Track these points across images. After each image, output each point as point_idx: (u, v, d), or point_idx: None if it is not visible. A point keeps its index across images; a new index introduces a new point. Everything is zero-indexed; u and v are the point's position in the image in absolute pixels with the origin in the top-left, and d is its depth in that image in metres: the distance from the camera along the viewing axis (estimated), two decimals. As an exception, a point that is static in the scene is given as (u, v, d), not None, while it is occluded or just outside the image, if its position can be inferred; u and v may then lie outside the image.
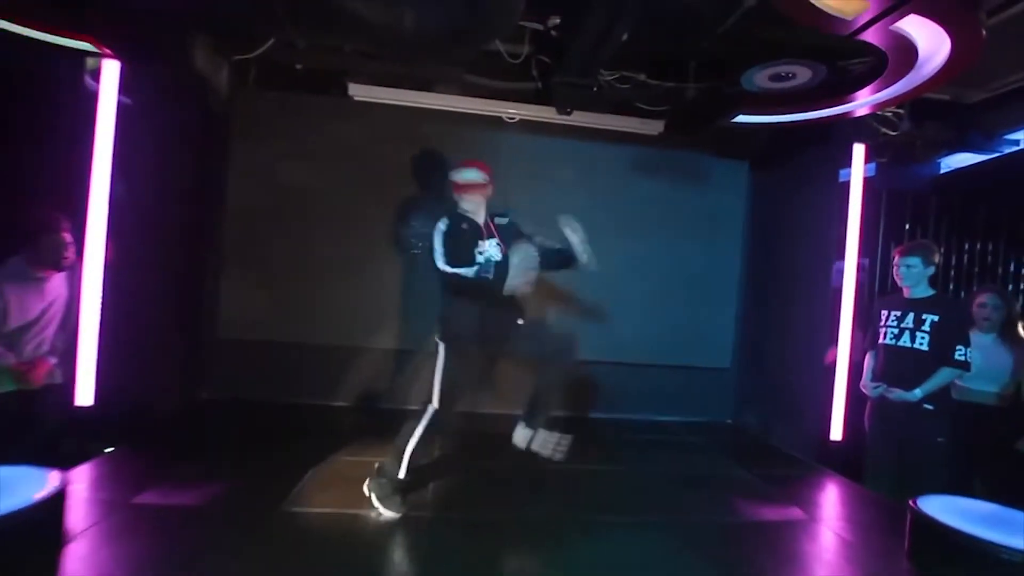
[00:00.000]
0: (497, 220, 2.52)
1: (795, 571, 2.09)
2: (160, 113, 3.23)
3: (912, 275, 2.73)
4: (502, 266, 2.23)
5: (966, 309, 2.94)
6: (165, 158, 3.30)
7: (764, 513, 2.63)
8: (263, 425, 3.47)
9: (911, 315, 2.72)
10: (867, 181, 3.48)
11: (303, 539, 2.09)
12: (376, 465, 2.43)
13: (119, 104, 2.90)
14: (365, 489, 2.36)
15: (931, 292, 2.76)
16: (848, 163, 3.47)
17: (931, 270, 2.74)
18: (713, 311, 4.36)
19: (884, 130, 3.66)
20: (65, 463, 2.56)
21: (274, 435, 3.30)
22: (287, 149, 3.88)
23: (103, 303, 2.89)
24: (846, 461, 3.28)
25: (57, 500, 1.87)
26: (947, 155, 4.28)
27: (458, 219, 2.45)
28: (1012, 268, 4.28)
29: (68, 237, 2.64)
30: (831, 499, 2.95)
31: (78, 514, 2.09)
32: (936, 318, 2.64)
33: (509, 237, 2.42)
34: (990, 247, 4.29)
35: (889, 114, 3.62)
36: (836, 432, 3.36)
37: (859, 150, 3.45)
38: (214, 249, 3.87)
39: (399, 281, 4.01)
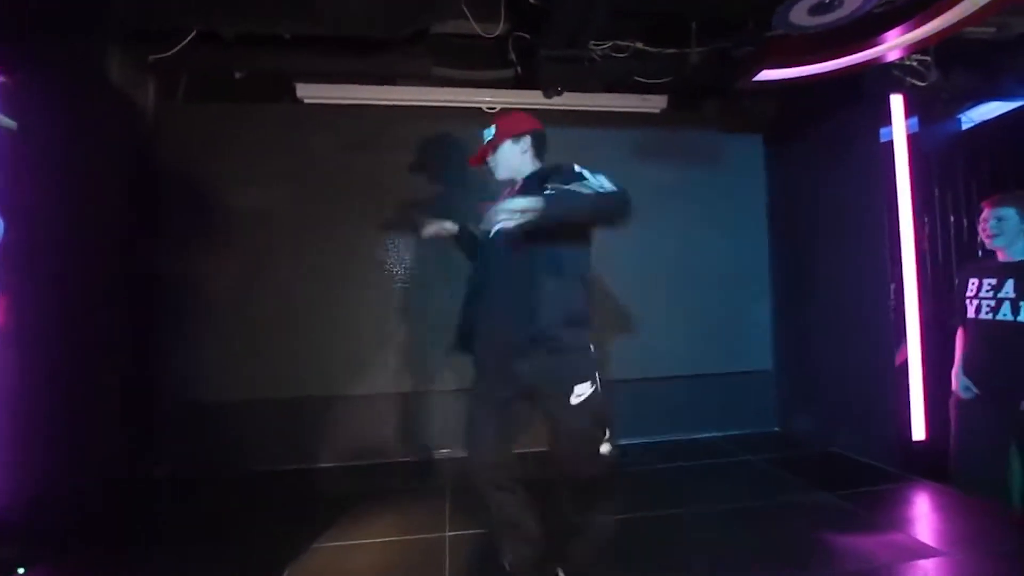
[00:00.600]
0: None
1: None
2: (62, 133, 2.61)
3: (1005, 229, 2.26)
4: None
5: None
6: (74, 187, 2.66)
7: (870, 549, 2.06)
8: (226, 505, 2.77)
9: (1010, 281, 2.23)
10: (912, 139, 3.02)
11: None
12: None
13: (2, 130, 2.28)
14: None
15: None
16: (886, 120, 3.01)
17: None
18: (745, 307, 3.81)
19: (912, 81, 3.24)
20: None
21: (240, 519, 2.60)
22: (233, 169, 3.26)
23: (4, 388, 2.23)
24: (934, 465, 2.74)
25: None
26: (972, 107, 3.89)
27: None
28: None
29: None
30: (941, 518, 2.39)
31: None
32: None
33: None
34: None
35: (914, 63, 3.22)
36: (918, 431, 2.82)
37: (897, 102, 3.00)
38: (154, 298, 3.21)
39: (380, 313, 3.39)
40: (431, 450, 3.39)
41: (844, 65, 2.78)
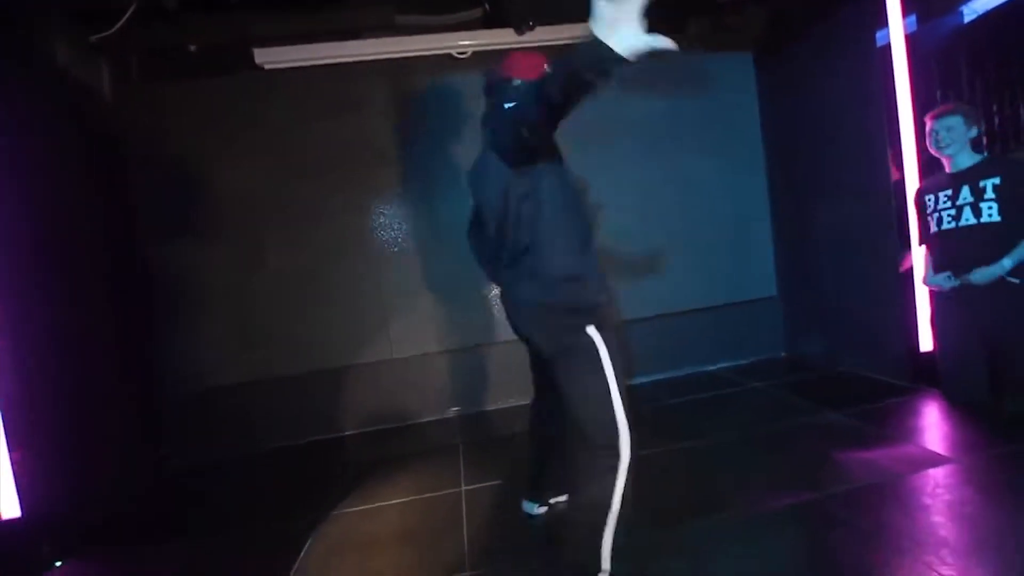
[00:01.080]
0: None
1: (948, 532, 1.54)
2: (23, 128, 2.49)
3: (953, 138, 2.32)
4: None
5: None
6: (50, 191, 2.57)
7: (881, 464, 2.08)
8: (243, 486, 2.83)
9: (966, 187, 2.30)
10: (910, 39, 2.84)
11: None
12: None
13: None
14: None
15: (979, 156, 2.35)
16: (882, 22, 2.82)
17: (974, 131, 2.36)
18: (745, 235, 3.72)
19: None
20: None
21: (257, 497, 2.66)
22: (201, 148, 3.14)
23: (4, 394, 2.22)
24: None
25: None
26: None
27: None
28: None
29: None
30: (958, 429, 2.38)
31: None
32: (998, 180, 2.23)
33: None
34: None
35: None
36: (926, 342, 2.79)
37: (893, 2, 2.80)
38: (140, 291, 3.16)
39: (370, 282, 3.34)
40: (441, 410, 3.43)
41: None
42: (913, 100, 2.82)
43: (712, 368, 3.68)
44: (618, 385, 1.45)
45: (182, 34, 2.93)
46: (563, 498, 1.91)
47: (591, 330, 1.45)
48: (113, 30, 2.41)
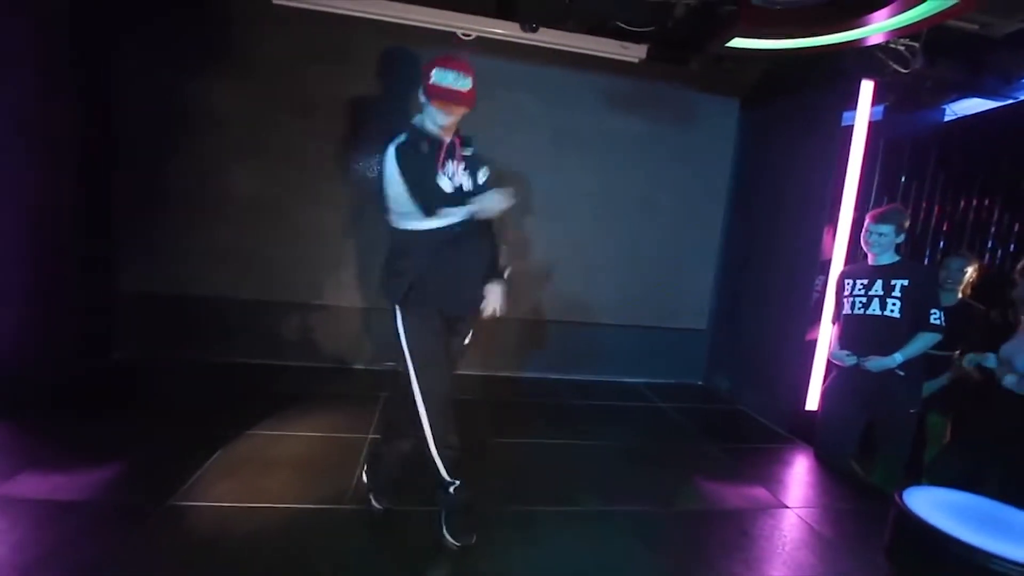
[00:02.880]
0: (464, 150, 1.92)
1: (756, 568, 1.84)
2: (28, 24, 2.54)
3: (882, 243, 2.56)
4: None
5: (934, 273, 2.78)
6: (27, 73, 2.63)
7: (728, 497, 2.39)
8: (174, 389, 3.05)
9: (879, 282, 2.55)
10: (872, 127, 3.05)
11: (187, 542, 1.74)
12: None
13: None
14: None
15: (897, 258, 2.60)
16: (852, 105, 3.02)
17: (901, 237, 2.58)
18: (693, 268, 3.99)
19: (895, 66, 3.20)
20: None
21: (184, 401, 2.89)
22: (191, 63, 3.21)
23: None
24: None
25: None
26: (955, 100, 3.86)
27: (415, 138, 1.81)
28: (1008, 226, 3.99)
29: None
30: (803, 479, 2.73)
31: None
32: (906, 282, 2.49)
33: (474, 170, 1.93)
34: (986, 203, 3.97)
35: (902, 47, 3.16)
36: (812, 402, 3.11)
37: (867, 88, 2.99)
38: (108, 189, 3.26)
39: (334, 227, 3.50)
40: (374, 362, 3.66)
41: (822, 45, 2.75)
42: (860, 188, 3.05)
43: (629, 380, 3.98)
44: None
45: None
46: None
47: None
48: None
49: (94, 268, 3.22)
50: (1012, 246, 3.95)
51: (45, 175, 2.79)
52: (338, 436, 2.62)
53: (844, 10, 2.40)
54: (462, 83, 1.77)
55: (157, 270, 3.35)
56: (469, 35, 3.25)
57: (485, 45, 3.29)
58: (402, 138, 1.82)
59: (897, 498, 1.94)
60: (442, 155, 1.84)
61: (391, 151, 1.79)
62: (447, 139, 1.85)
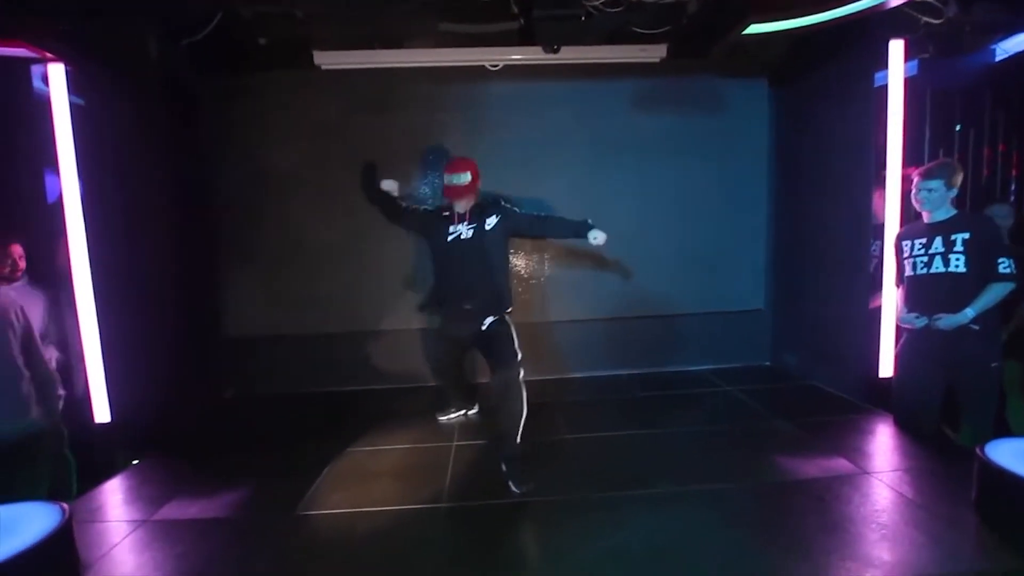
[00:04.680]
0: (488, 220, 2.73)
1: (844, 537, 1.88)
2: (123, 112, 3.04)
3: (933, 199, 2.50)
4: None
5: (994, 222, 2.65)
6: (138, 158, 3.13)
7: (806, 469, 2.43)
8: (281, 420, 3.45)
9: (939, 238, 2.49)
10: (908, 82, 3.01)
11: (315, 545, 2.03)
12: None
13: (74, 107, 2.72)
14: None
15: (954, 211, 2.54)
16: (884, 64, 2.99)
17: (953, 192, 2.51)
18: (743, 249, 4.01)
19: (926, 19, 3.14)
20: (94, 480, 2.61)
21: (291, 430, 3.27)
22: (265, 132, 3.68)
23: (100, 315, 2.83)
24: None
25: (63, 534, 1.84)
26: (1004, 39, 3.69)
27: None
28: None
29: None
30: (883, 446, 2.71)
31: (101, 537, 2.10)
32: (967, 235, 2.43)
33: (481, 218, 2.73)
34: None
35: (931, -1, 3.10)
36: (886, 369, 3.06)
37: (896, 47, 2.97)
38: (208, 246, 3.76)
39: (400, 259, 3.82)
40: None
41: (842, 16, 2.77)
42: (905, 140, 3.00)
43: (696, 368, 4.03)
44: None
45: (253, 31, 3.39)
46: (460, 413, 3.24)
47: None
48: (200, 36, 2.88)
49: (203, 320, 3.71)
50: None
51: (155, 242, 3.28)
52: (426, 446, 2.88)
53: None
54: (459, 180, 2.67)
55: (252, 316, 3.80)
56: (497, 65, 3.50)
57: (514, 72, 3.53)
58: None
59: (980, 452, 1.95)
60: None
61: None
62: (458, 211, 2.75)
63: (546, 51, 3.30)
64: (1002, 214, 2.85)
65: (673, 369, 4.01)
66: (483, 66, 3.53)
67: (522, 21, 3.48)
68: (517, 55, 3.42)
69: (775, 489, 2.28)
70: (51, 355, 2.77)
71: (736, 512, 2.10)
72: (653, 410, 3.28)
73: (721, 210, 3.93)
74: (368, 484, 2.47)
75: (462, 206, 2.72)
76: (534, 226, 2.78)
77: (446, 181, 2.71)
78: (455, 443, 2.89)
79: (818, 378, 3.60)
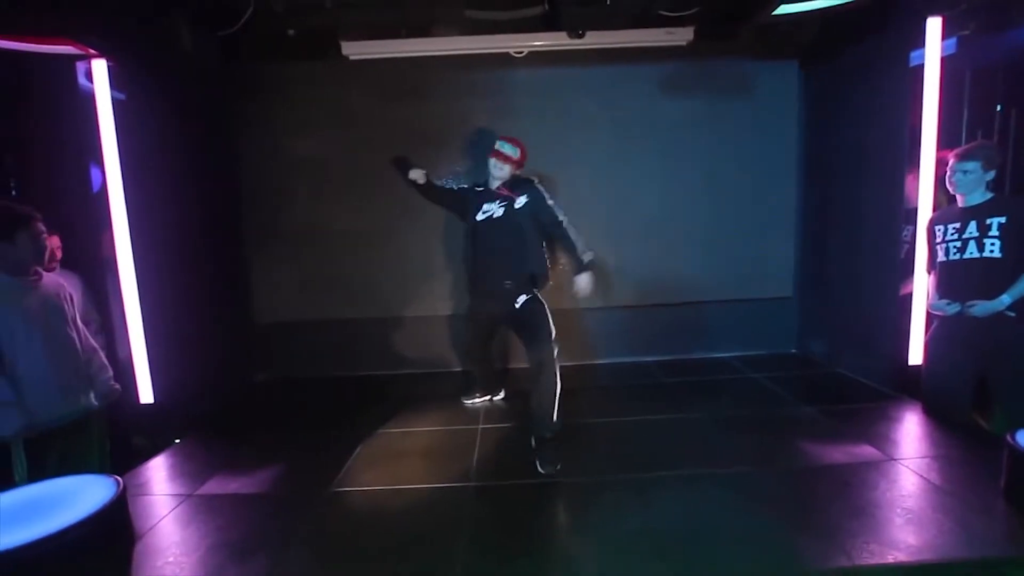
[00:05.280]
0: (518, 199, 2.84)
1: (869, 521, 1.89)
2: (160, 105, 3.15)
3: (968, 182, 2.46)
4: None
5: None
6: (173, 149, 3.25)
7: (831, 454, 2.43)
8: (313, 402, 3.58)
9: (973, 223, 2.45)
10: (946, 61, 2.91)
11: (349, 519, 2.13)
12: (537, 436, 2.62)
13: (116, 101, 2.84)
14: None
15: (989, 195, 2.48)
16: (920, 43, 2.90)
17: (991, 175, 2.46)
18: (771, 236, 3.95)
19: (969, -9, 3.02)
20: (140, 457, 2.77)
21: (323, 412, 3.39)
22: (294, 121, 3.76)
23: (142, 301, 2.97)
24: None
25: (119, 505, 1.97)
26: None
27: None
28: None
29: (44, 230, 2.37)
30: (911, 433, 2.68)
31: (150, 510, 2.24)
32: (1003, 219, 2.38)
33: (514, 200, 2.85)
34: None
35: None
36: (916, 356, 3.02)
37: (934, 25, 2.87)
38: (239, 234, 3.89)
39: (425, 245, 3.89)
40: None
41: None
42: (940, 123, 2.91)
43: (722, 355, 4.02)
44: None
45: (283, 22, 3.46)
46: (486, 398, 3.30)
47: None
48: (237, 27, 2.97)
49: (236, 305, 3.85)
50: None
51: (191, 231, 3.41)
52: (454, 428, 2.97)
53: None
54: (508, 149, 2.85)
55: (282, 301, 3.93)
56: (521, 52, 3.51)
57: (539, 58, 3.53)
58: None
59: (1009, 439, 1.93)
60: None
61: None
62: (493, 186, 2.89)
63: (571, 36, 3.29)
64: None
65: (699, 356, 4.01)
66: (508, 53, 3.53)
67: (547, 7, 3.48)
68: (542, 41, 3.42)
69: (800, 474, 2.29)
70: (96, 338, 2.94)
71: (762, 495, 2.12)
72: (679, 396, 3.30)
73: (748, 196, 3.88)
74: (398, 463, 2.56)
75: (500, 174, 2.84)
76: (548, 227, 2.83)
77: (496, 146, 2.85)
78: (481, 426, 2.97)
79: (845, 366, 3.56)
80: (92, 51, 2.74)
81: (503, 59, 3.56)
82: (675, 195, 3.82)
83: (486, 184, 2.92)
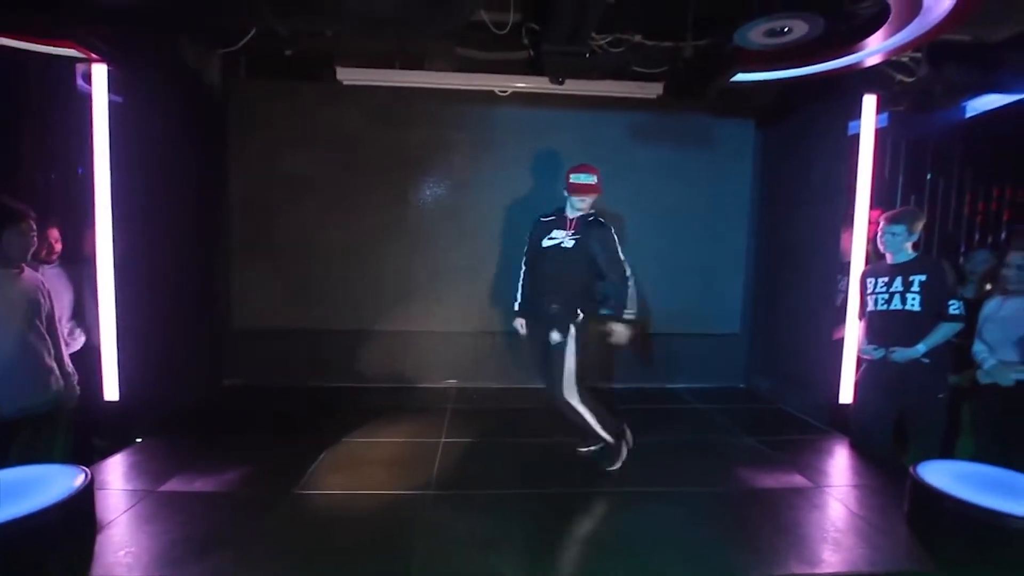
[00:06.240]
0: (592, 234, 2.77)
1: (792, 539, 2.10)
2: (155, 111, 3.26)
3: (895, 242, 2.76)
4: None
5: (947, 267, 2.87)
6: (165, 155, 3.35)
7: (766, 480, 2.65)
8: (280, 409, 3.63)
9: (899, 279, 2.74)
10: (880, 133, 3.29)
11: (312, 520, 2.21)
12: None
13: (112, 105, 2.94)
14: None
15: (913, 255, 2.79)
16: (858, 115, 3.28)
17: (915, 236, 2.77)
18: (723, 276, 4.28)
19: (900, 77, 3.45)
20: (100, 454, 2.77)
21: (290, 418, 3.46)
22: (285, 138, 3.90)
23: (117, 300, 3.01)
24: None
25: (86, 494, 2.01)
26: (972, 98, 4.02)
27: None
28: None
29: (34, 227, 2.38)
30: (838, 464, 2.94)
31: (111, 504, 2.27)
32: (924, 277, 2.68)
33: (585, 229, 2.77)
34: (1018, 193, 4.08)
35: (906, 59, 3.40)
36: (846, 395, 3.31)
37: (869, 101, 3.26)
38: (222, 241, 3.97)
39: (402, 264, 4.05)
40: (440, 380, 4.16)
41: (820, 71, 3.05)
42: (873, 186, 3.28)
43: (675, 386, 4.26)
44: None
45: (281, 43, 3.63)
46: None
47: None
48: (239, 46, 3.13)
49: (213, 310, 3.91)
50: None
51: (175, 235, 3.47)
52: (418, 440, 3.08)
53: (830, 45, 2.72)
54: (587, 178, 2.77)
55: (260, 309, 4.01)
56: (506, 91, 3.77)
57: (522, 98, 3.81)
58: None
59: (912, 471, 2.19)
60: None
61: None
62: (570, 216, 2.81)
63: (552, 82, 3.57)
64: (981, 259, 3.07)
65: (653, 386, 4.23)
66: (493, 91, 3.79)
67: (532, 53, 3.75)
68: (525, 83, 3.70)
69: (737, 496, 2.51)
70: (81, 336, 2.97)
71: (702, 513, 2.32)
72: (633, 422, 3.47)
73: (705, 238, 4.20)
74: (361, 470, 2.66)
75: (583, 206, 2.76)
76: (602, 262, 2.73)
77: (572, 179, 2.77)
78: (443, 440, 3.09)
79: (786, 401, 3.85)
80: (94, 55, 2.85)
81: (488, 96, 3.82)
82: (640, 232, 4.09)
83: (559, 212, 2.86)
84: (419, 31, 3.17)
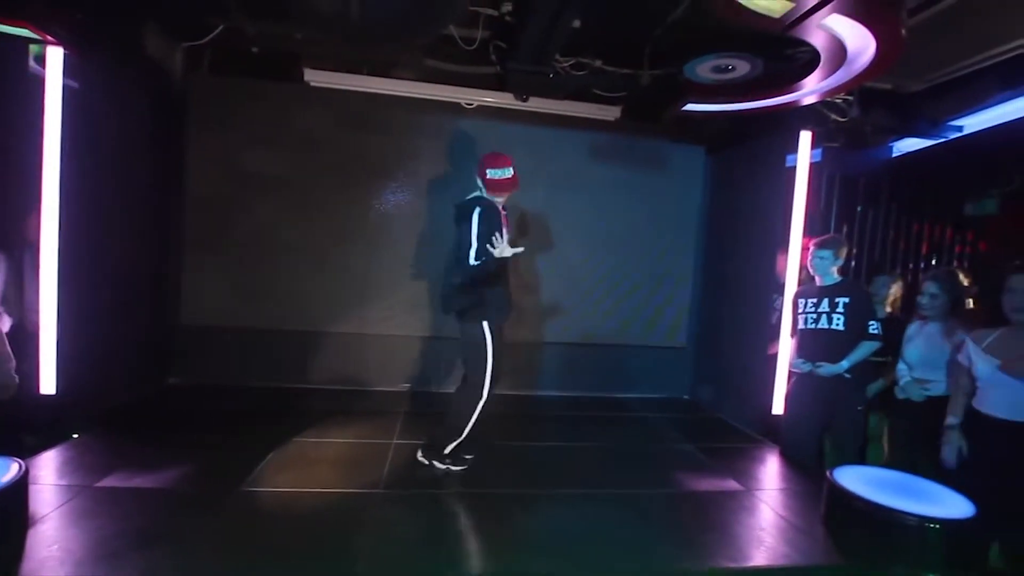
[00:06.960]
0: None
1: (719, 537, 2.26)
2: (111, 99, 3.20)
3: (823, 266, 3.01)
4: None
5: (867, 291, 3.15)
6: (119, 144, 3.28)
7: (702, 484, 2.82)
8: (227, 409, 3.56)
9: (826, 300, 2.99)
10: (813, 167, 3.59)
11: (257, 518, 2.21)
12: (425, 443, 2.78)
13: (66, 89, 2.87)
14: (422, 459, 2.71)
15: (839, 279, 3.03)
16: (795, 149, 3.57)
17: (840, 261, 3.01)
18: (670, 292, 4.50)
19: (834, 116, 3.77)
20: (31, 451, 2.65)
21: (237, 418, 3.39)
22: (246, 135, 3.87)
23: (60, 289, 2.91)
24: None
25: (19, 487, 1.95)
26: (897, 140, 4.42)
27: (491, 208, 2.60)
28: (958, 248, 4.51)
29: None
30: (767, 470, 3.15)
31: (43, 499, 2.19)
32: (848, 300, 2.92)
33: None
34: (935, 226, 4.51)
35: (839, 101, 3.73)
36: (778, 406, 3.54)
37: (805, 136, 3.55)
38: (175, 236, 3.88)
39: (361, 267, 4.07)
40: (394, 383, 4.18)
41: (761, 107, 3.33)
42: (806, 215, 3.56)
43: (621, 396, 4.43)
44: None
45: (248, 40, 3.63)
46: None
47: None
48: (205, 40, 3.12)
49: (156, 306, 3.80)
50: (960, 263, 4.46)
51: (126, 226, 3.39)
52: (368, 442, 3.10)
53: (771, 84, 2.98)
54: (506, 173, 2.61)
55: (211, 307, 3.92)
56: (471, 104, 3.89)
57: (487, 112, 3.93)
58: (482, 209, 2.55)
59: (828, 475, 2.39)
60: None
61: (478, 211, 2.53)
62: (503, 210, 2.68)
63: (516, 98, 3.73)
64: (881, 283, 3.37)
65: (600, 394, 4.39)
66: (459, 103, 3.90)
67: (499, 69, 3.90)
68: (491, 98, 3.83)
69: (674, 497, 2.66)
70: (6, 319, 2.84)
71: (643, 512, 2.46)
72: (579, 427, 3.63)
73: (655, 254, 4.43)
74: (310, 469, 2.66)
75: (504, 202, 2.66)
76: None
77: (491, 175, 2.59)
78: (395, 441, 3.12)
79: (725, 412, 4.07)
80: (50, 38, 2.78)
81: (454, 107, 3.92)
82: (594, 246, 4.28)
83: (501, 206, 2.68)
84: (389, 40, 3.25)
